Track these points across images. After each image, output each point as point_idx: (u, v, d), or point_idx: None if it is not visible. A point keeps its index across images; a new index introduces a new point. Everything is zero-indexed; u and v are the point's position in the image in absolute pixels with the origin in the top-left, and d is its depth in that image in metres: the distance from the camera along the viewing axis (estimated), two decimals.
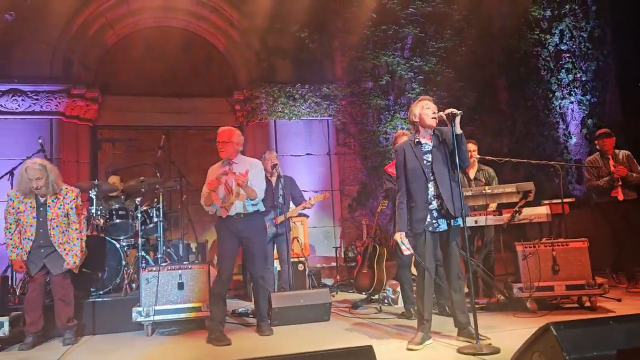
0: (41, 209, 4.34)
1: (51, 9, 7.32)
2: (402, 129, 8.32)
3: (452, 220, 3.61)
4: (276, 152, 6.45)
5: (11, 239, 4.33)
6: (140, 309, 4.57)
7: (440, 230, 3.64)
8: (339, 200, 8.13)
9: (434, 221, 3.62)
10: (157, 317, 4.59)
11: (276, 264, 5.82)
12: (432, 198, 3.62)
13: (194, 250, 6.38)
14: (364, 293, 5.74)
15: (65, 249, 4.34)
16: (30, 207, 4.33)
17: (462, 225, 3.53)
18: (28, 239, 4.30)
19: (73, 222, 4.43)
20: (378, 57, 8.31)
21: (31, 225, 4.30)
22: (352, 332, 4.31)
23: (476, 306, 3.66)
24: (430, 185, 3.62)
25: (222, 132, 4.46)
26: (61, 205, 4.39)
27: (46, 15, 7.34)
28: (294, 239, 6.33)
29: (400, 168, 3.74)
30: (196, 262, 5.60)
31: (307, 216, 6.69)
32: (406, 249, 3.61)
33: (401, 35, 8.49)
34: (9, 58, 7.23)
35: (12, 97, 7.11)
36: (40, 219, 4.33)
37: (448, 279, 3.73)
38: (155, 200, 5.84)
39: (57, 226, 4.35)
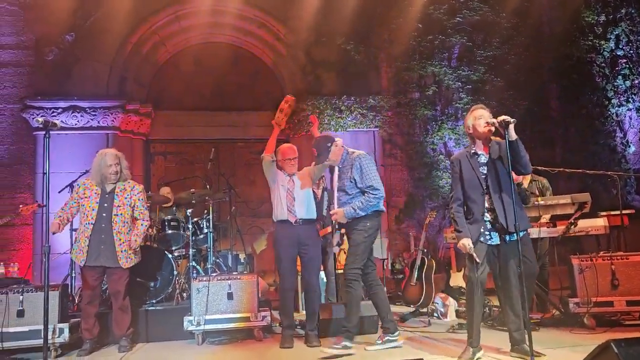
0: (107, 196, 4.51)
1: (108, 29, 7.68)
2: (451, 139, 8.22)
3: (506, 236, 3.51)
4: None
5: (60, 211, 4.49)
6: (191, 318, 4.67)
7: (493, 243, 3.54)
8: (386, 211, 8.05)
9: (486, 233, 3.54)
10: (207, 327, 4.68)
11: (322, 275, 5.82)
12: (486, 210, 3.54)
13: (242, 260, 6.47)
14: (412, 306, 5.66)
15: (121, 240, 4.46)
16: (96, 193, 4.51)
17: (517, 239, 3.41)
18: (89, 222, 4.43)
19: (140, 213, 4.59)
20: (424, 67, 8.25)
21: (93, 209, 4.44)
22: (401, 346, 4.24)
23: (531, 322, 3.54)
24: (486, 197, 3.55)
25: (291, 149, 4.72)
26: (128, 195, 4.56)
27: (103, 36, 7.70)
28: (340, 251, 6.31)
29: (456, 179, 3.68)
30: (245, 272, 5.67)
31: None
32: (474, 254, 3.49)
33: (448, 44, 8.41)
34: (70, 76, 7.61)
35: (72, 113, 7.47)
36: (105, 205, 4.47)
37: (505, 299, 3.63)
38: (205, 211, 5.98)
39: (120, 214, 4.50)
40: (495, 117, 3.48)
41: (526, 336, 3.33)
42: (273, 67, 8.70)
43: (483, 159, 3.61)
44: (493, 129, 3.47)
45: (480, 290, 3.55)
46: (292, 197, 4.55)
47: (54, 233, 4.32)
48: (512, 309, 3.55)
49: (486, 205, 3.53)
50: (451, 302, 5.44)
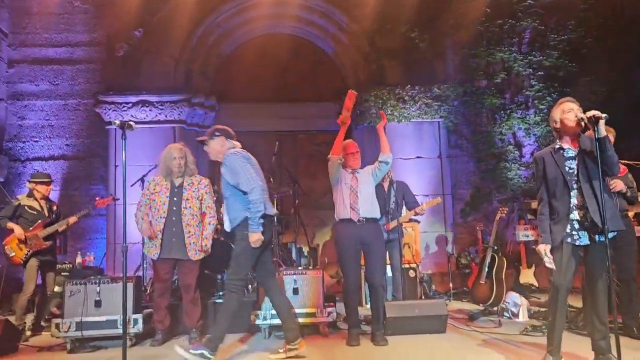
0: (176, 189, 4.63)
1: (174, 24, 7.84)
2: (520, 128, 7.84)
3: (597, 235, 3.25)
4: None
5: (138, 213, 4.63)
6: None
7: (582, 244, 3.30)
8: (450, 204, 7.84)
9: (574, 233, 3.29)
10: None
11: (387, 270, 5.72)
12: (574, 208, 3.28)
13: (306, 254, 6.49)
14: (481, 305, 5.47)
15: (190, 232, 4.57)
16: (165, 187, 4.63)
17: (606, 240, 3.16)
18: (160, 217, 4.57)
19: (207, 207, 4.68)
20: (493, 54, 7.88)
21: (164, 204, 4.58)
22: (471, 348, 4.10)
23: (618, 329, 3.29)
24: (573, 194, 3.30)
25: (353, 144, 4.65)
26: (196, 189, 4.66)
27: (170, 30, 7.87)
28: (405, 245, 6.18)
29: (540, 178, 3.46)
30: (310, 267, 5.66)
31: (419, 222, 6.52)
32: (549, 262, 3.31)
33: (518, 29, 7.98)
34: (138, 71, 7.84)
35: (140, 107, 7.71)
36: (175, 198, 4.59)
37: (592, 304, 3.39)
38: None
39: (189, 207, 4.60)
40: (584, 111, 3.22)
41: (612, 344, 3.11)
42: (335, 57, 8.60)
43: (571, 153, 3.35)
44: (583, 124, 3.21)
45: (565, 296, 3.33)
46: (356, 195, 4.46)
47: (150, 238, 4.52)
48: (597, 316, 3.31)
49: (574, 202, 3.28)
50: (523, 301, 5.21)
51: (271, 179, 6.31)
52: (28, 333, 5.07)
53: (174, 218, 4.58)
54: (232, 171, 3.91)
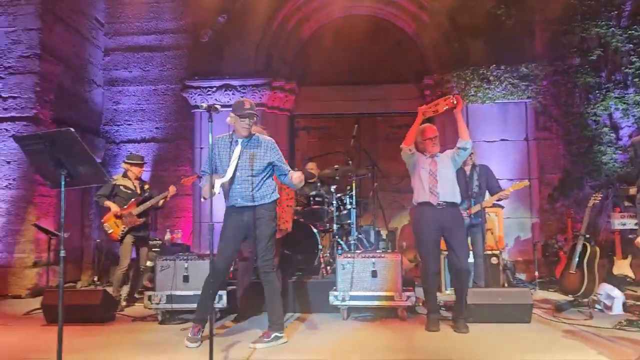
0: None
1: (256, 9, 7.97)
2: (617, 109, 7.29)
3: None
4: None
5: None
6: (337, 293, 4.77)
7: None
8: (537, 189, 7.45)
9: None
10: (351, 302, 4.75)
11: (470, 257, 5.55)
12: None
13: (384, 237, 6.46)
14: (570, 295, 5.19)
15: None
16: None
17: None
18: None
19: (285, 187, 4.70)
20: (587, 29, 7.33)
21: None
22: (558, 340, 3.91)
23: None
24: None
25: (431, 129, 4.53)
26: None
27: (251, 15, 8.01)
28: (488, 231, 5.97)
29: (638, 164, 3.21)
30: (389, 251, 5.64)
31: (503, 207, 6.26)
32: None
33: (617, 1, 7.37)
34: (222, 56, 8.07)
35: (224, 91, 7.95)
36: None
37: None
38: (348, 187, 6.03)
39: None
40: None
41: None
42: (415, 37, 8.38)
43: None
44: None
45: None
46: (435, 178, 4.33)
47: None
48: None
49: None
50: (618, 294, 4.88)
51: (349, 162, 6.32)
52: (123, 304, 5.46)
53: None
54: (273, 151, 3.99)
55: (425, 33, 8.20)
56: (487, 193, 5.41)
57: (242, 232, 4.02)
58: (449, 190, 4.33)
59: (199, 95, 7.99)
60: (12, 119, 6.95)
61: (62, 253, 2.72)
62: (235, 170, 3.92)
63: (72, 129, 2.58)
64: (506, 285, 6.13)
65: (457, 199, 4.41)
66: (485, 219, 5.46)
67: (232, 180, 3.93)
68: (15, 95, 6.97)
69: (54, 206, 7.12)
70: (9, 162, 6.88)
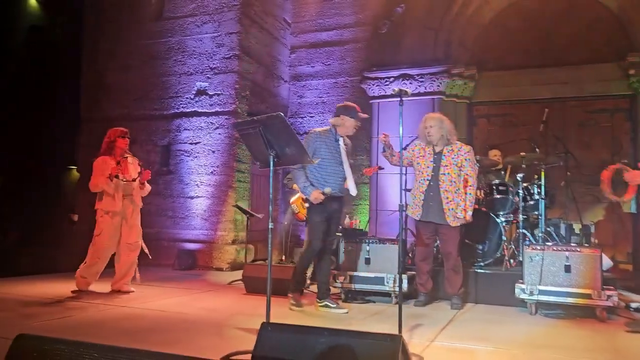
0: (435, 156, 4.76)
1: None
2: None
3: None
4: None
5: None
6: (523, 286, 4.51)
7: None
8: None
9: None
10: (540, 297, 4.46)
11: None
12: None
13: (577, 231, 5.90)
14: None
15: (448, 199, 4.63)
16: (429, 153, 4.80)
17: None
18: (424, 179, 4.76)
19: (466, 175, 4.66)
20: None
21: (428, 167, 4.76)
22: None
23: None
24: None
25: None
26: (455, 155, 4.70)
27: (429, 3, 7.94)
28: None
29: None
30: (585, 244, 5.15)
31: None
32: None
33: None
34: (399, 46, 8.14)
35: (402, 81, 8.01)
36: (435, 164, 4.74)
37: None
38: (536, 176, 5.65)
39: (447, 174, 4.67)
40: None
41: None
42: (619, 12, 7.44)
43: None
44: None
45: None
46: None
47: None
48: None
49: None
50: None
51: (536, 149, 5.90)
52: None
53: (431, 183, 4.70)
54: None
55: (630, 5, 7.24)
56: None
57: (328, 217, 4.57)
58: None
59: (377, 85, 8.18)
60: (216, 114, 7.92)
61: (271, 225, 3.04)
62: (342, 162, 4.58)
63: (282, 114, 2.86)
64: None
65: None
66: None
67: (334, 171, 4.54)
68: (219, 92, 7.91)
69: (248, 191, 7.95)
70: (213, 152, 7.85)
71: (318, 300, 4.58)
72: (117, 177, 4.97)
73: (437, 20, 7.97)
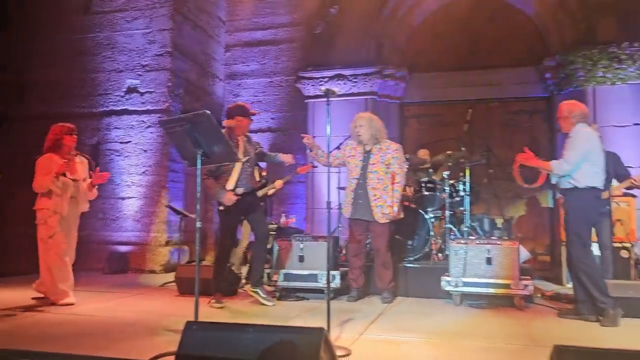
0: (365, 155, 4.91)
1: None
2: None
3: None
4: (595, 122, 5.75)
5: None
6: (449, 278, 4.73)
7: None
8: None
9: None
10: (465, 289, 4.69)
11: (595, 248, 5.20)
12: None
13: (499, 225, 6.24)
14: None
15: (375, 196, 4.78)
16: (359, 152, 4.94)
17: None
18: (353, 178, 4.91)
19: (393, 172, 4.80)
20: None
21: (356, 166, 4.91)
22: None
23: None
24: None
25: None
26: (383, 153, 4.85)
27: (362, 4, 8.10)
28: (617, 221, 5.55)
29: None
30: (505, 238, 5.46)
31: (635, 196, 5.76)
32: None
33: None
34: (333, 47, 8.25)
35: (336, 81, 8.12)
36: (363, 163, 4.88)
37: None
38: (461, 174, 5.92)
39: (375, 171, 4.82)
40: None
41: None
42: (536, 18, 7.91)
43: None
44: None
45: None
46: None
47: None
48: None
49: None
50: None
51: (462, 148, 6.18)
52: (243, 281, 5.85)
53: (360, 181, 4.85)
54: None
55: (547, 14, 7.71)
56: (614, 181, 5.04)
57: None
58: None
59: (312, 85, 8.25)
60: (148, 112, 7.72)
61: (198, 224, 3.02)
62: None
63: (208, 111, 2.85)
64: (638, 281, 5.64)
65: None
66: (612, 208, 5.08)
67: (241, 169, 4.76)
68: (151, 90, 7.72)
69: (182, 191, 7.81)
70: (145, 151, 7.65)
71: (252, 286, 4.74)
72: (64, 175, 4.59)
73: (370, 21, 8.15)
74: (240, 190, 4.62)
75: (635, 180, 4.87)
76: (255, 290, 4.68)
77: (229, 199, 4.55)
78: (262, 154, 5.04)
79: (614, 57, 6.79)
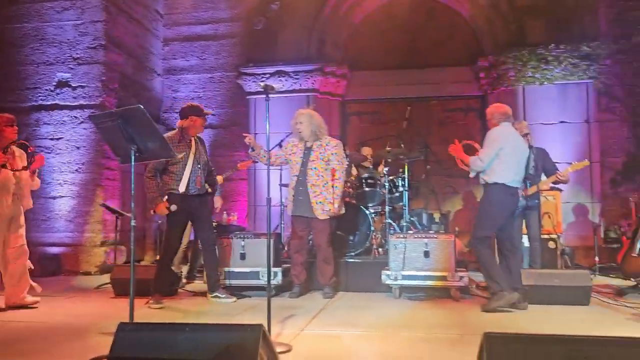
0: (305, 151, 4.92)
1: None
2: None
3: None
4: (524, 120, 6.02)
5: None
6: (389, 272, 4.82)
7: None
8: (598, 173, 7.20)
9: None
10: (404, 282, 4.80)
11: (525, 240, 5.47)
12: None
13: (437, 220, 6.44)
14: (632, 279, 5.02)
15: (315, 192, 4.79)
16: (300, 149, 4.95)
17: None
18: (294, 175, 4.92)
19: (333, 169, 4.81)
20: None
21: (297, 163, 4.92)
22: (621, 322, 3.81)
23: None
24: None
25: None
26: (323, 150, 4.87)
27: (304, 1, 8.10)
28: (545, 214, 5.85)
29: None
30: (442, 232, 5.63)
31: (561, 190, 6.10)
32: None
33: None
34: (275, 43, 8.22)
35: (277, 77, 8.10)
36: (304, 160, 4.89)
37: None
38: (400, 170, 6.05)
39: (315, 168, 4.84)
40: None
41: None
42: (470, 19, 8.21)
43: None
44: None
45: None
46: None
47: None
48: None
49: None
50: None
51: (402, 145, 6.32)
52: (184, 280, 5.72)
53: (300, 178, 4.86)
54: None
55: (481, 15, 8.03)
56: (543, 175, 5.31)
57: None
58: None
59: (253, 81, 8.18)
60: (80, 107, 7.38)
61: (133, 223, 2.92)
62: None
63: (142, 106, 2.76)
64: (564, 269, 5.98)
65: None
66: (541, 201, 5.35)
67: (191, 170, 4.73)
68: (84, 84, 7.39)
69: (118, 189, 7.53)
70: (78, 148, 7.32)
71: (209, 292, 4.72)
72: (4, 166, 4.30)
73: (312, 18, 8.17)
74: (173, 208, 4.56)
75: (560, 176, 5.12)
76: (214, 295, 4.70)
77: (161, 210, 4.53)
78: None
79: (542, 58, 7.15)
